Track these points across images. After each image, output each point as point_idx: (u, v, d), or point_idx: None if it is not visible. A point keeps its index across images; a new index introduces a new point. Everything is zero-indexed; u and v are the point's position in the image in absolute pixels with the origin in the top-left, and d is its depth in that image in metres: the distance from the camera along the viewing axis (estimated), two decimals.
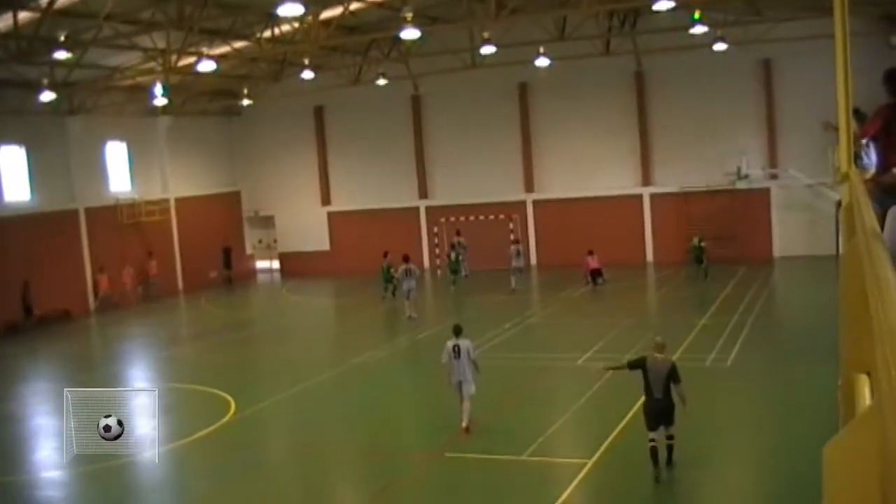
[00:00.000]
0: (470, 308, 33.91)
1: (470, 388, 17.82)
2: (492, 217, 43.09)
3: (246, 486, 16.14)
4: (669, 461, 15.03)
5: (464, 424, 17.74)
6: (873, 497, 2.12)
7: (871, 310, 2.81)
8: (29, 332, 34.80)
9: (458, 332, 18.28)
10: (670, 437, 14.96)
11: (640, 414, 15.62)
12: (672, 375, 14.82)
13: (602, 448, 16.18)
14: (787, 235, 39.39)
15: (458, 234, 42.28)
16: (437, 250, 41.25)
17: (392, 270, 34.63)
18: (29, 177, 37.46)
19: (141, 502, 15.90)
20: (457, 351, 17.80)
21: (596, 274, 37.11)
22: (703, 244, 36.26)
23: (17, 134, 36.68)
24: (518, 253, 37.47)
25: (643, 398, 15.22)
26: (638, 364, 15.19)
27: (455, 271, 38.55)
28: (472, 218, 43.32)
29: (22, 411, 23.10)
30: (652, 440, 14.77)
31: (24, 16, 26.30)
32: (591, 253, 37.69)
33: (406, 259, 32.55)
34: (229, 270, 46.43)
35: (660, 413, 14.80)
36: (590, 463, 15.54)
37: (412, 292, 32.01)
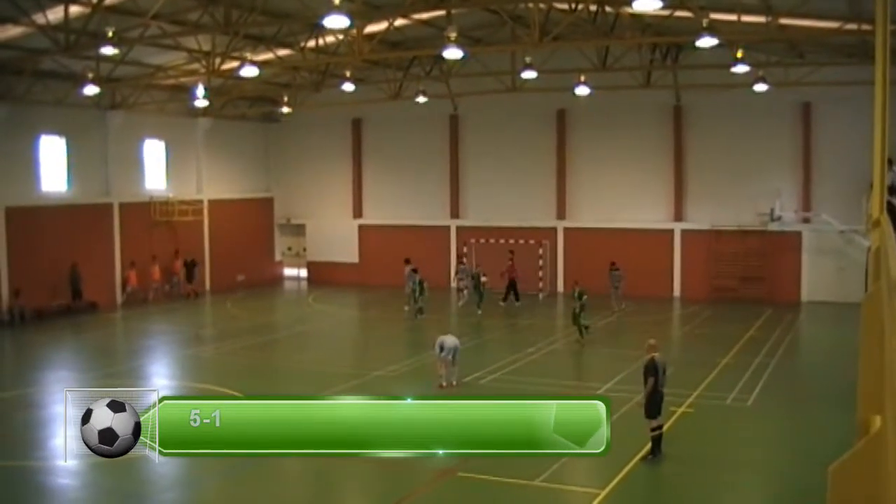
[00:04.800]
0: (495, 330, 33.96)
1: (454, 370, 23.23)
2: (522, 241, 43.05)
3: (253, 494, 16.21)
4: (660, 448, 17.44)
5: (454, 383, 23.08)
6: None
7: (885, 354, 2.87)
8: (77, 315, 36.50)
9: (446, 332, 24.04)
10: (660, 427, 17.59)
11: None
12: (666, 368, 17.62)
13: (616, 479, 16.14)
14: (816, 280, 39.11)
15: (461, 260, 42.71)
16: (460, 268, 41.23)
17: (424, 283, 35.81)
18: (67, 168, 37.96)
19: (148, 499, 15.99)
20: (446, 348, 22.96)
21: (511, 287, 37.67)
22: (584, 298, 29.95)
23: (58, 125, 37.14)
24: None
25: (650, 392, 17.23)
26: (653, 368, 17.28)
27: (415, 300, 35.94)
28: (501, 241, 43.28)
29: (40, 398, 23.29)
30: (659, 426, 17.46)
31: (74, 10, 26.72)
32: (511, 256, 39.44)
33: (407, 262, 37.83)
34: (191, 284, 43.09)
35: (661, 401, 17.44)
36: (602, 494, 15.50)
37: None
